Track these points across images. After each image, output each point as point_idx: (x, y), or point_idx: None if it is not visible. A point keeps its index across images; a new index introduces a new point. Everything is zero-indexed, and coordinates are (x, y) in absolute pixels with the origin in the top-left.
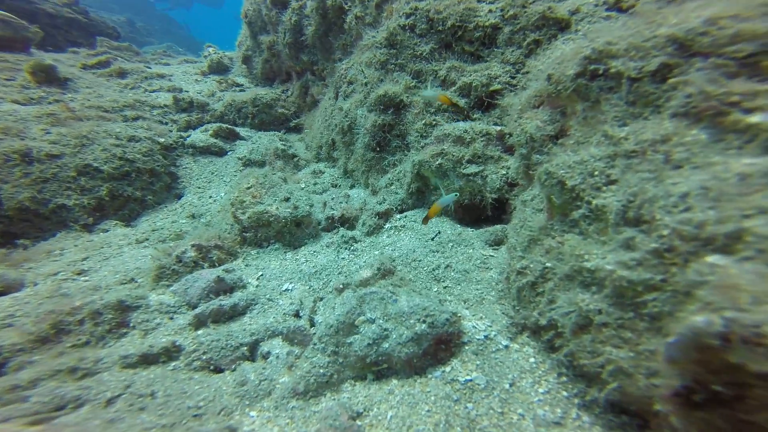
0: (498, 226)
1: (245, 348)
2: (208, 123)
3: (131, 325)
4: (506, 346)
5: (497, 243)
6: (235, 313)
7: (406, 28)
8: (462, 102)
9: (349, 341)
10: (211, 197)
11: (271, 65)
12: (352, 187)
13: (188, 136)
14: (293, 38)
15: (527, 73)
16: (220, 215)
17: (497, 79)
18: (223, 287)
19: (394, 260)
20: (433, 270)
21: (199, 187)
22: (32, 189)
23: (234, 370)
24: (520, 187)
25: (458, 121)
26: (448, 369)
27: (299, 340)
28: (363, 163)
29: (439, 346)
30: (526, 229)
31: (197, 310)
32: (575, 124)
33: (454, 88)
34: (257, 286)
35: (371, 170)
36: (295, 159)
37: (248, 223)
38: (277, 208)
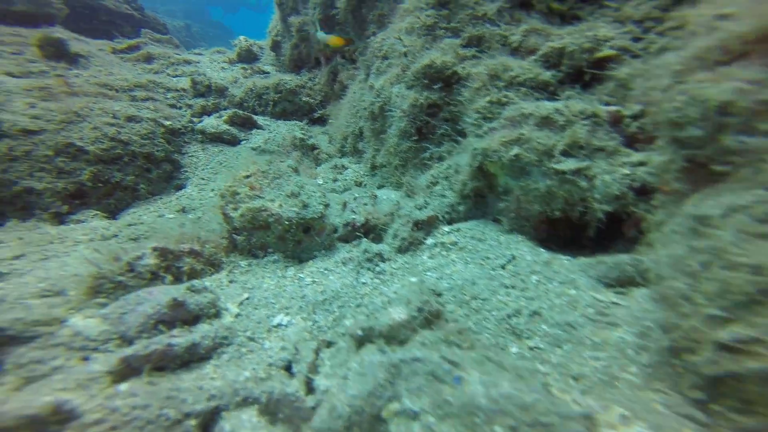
0: (624, 257)
1: (193, 423)
2: (224, 109)
3: (4, 368)
4: None
5: (623, 283)
6: (191, 358)
7: None
8: (548, 75)
9: None
10: (213, 191)
11: (299, 51)
12: (381, 186)
13: (200, 122)
14: (323, 13)
15: (674, 29)
16: (213, 212)
17: (608, 42)
18: (180, 315)
19: (440, 294)
20: (509, 317)
21: (203, 179)
22: None
23: None
24: (671, 194)
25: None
26: None
27: (286, 417)
28: (397, 155)
29: None
30: (733, 271)
31: (128, 350)
32: None
33: (533, 58)
34: (237, 316)
35: (407, 165)
36: (315, 151)
37: (240, 223)
38: (281, 205)
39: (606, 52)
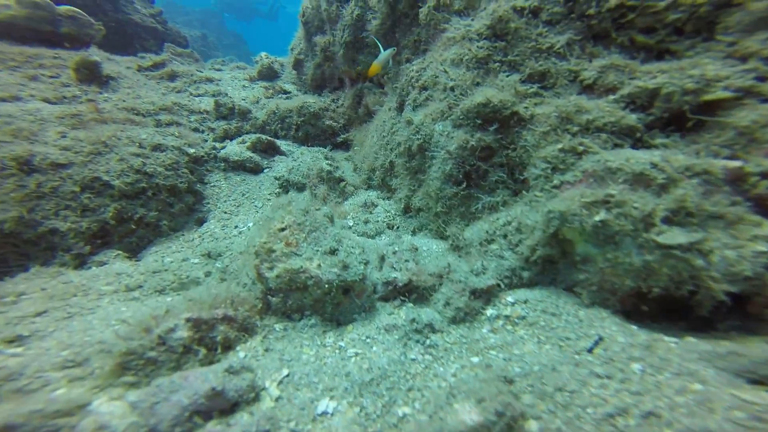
0: None
1: None
2: (247, 133)
3: None
4: None
5: None
6: None
7: (525, 11)
8: (633, 119)
9: None
10: (236, 227)
11: (323, 71)
12: (416, 230)
13: (223, 148)
14: (353, 36)
15: None
16: (242, 260)
17: (722, 83)
18: (218, 404)
19: (512, 381)
20: (612, 417)
21: (226, 212)
22: (22, 207)
23: None
24: None
25: (625, 147)
26: None
27: None
28: (438, 201)
29: None
30: None
31: None
32: None
33: (612, 98)
34: (277, 400)
35: (451, 213)
36: (342, 184)
37: (276, 284)
38: (320, 265)
39: (719, 94)
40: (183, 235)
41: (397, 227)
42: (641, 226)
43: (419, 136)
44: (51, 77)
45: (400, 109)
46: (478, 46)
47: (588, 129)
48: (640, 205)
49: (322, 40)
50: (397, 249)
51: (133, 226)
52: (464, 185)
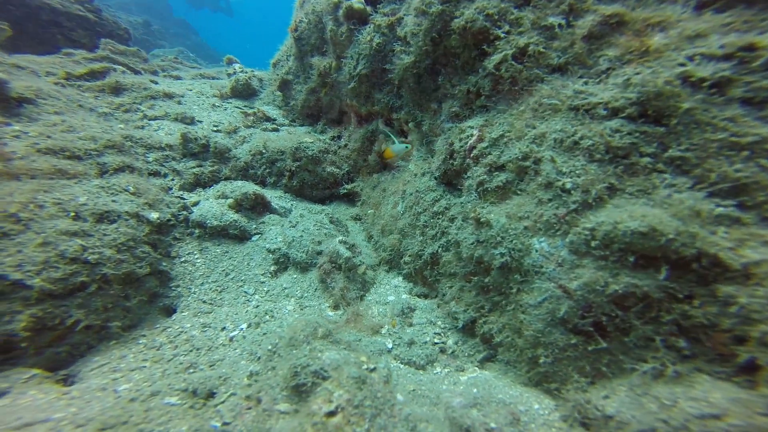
0: None
1: None
2: (227, 179)
3: None
4: None
5: None
6: None
7: (704, 83)
8: None
9: None
10: (224, 329)
11: (318, 97)
12: (486, 360)
13: (195, 205)
14: (370, 68)
15: None
16: (253, 417)
17: None
18: None
19: None
20: None
21: (205, 302)
22: None
23: None
24: None
25: None
26: None
27: None
28: (539, 346)
29: None
30: None
31: None
32: None
33: None
34: None
35: (562, 363)
36: (361, 269)
37: None
38: None
39: None
40: (144, 335)
41: (456, 354)
42: None
43: (504, 251)
44: None
45: (446, 181)
46: (612, 129)
47: None
48: None
49: (321, 63)
50: (494, 425)
51: (63, 333)
52: (594, 338)
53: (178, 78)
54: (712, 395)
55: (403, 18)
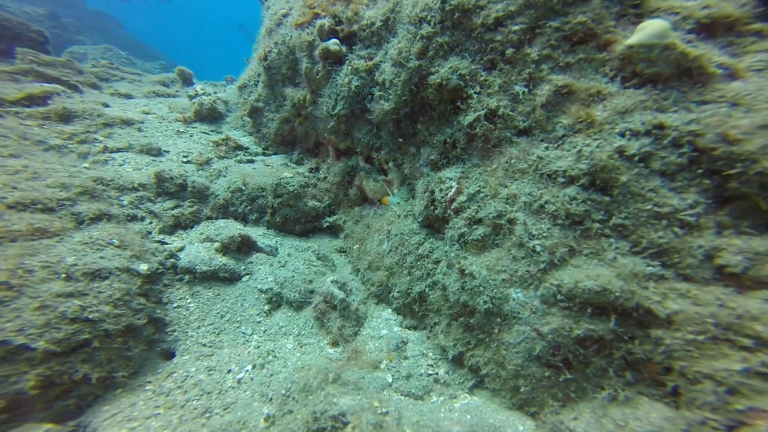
0: None
1: None
2: (208, 219)
3: None
4: None
5: None
6: None
7: (634, 158)
8: None
9: None
10: (230, 371)
11: (292, 127)
12: (474, 387)
13: (180, 251)
14: (349, 109)
15: None
16: None
17: None
18: None
19: None
20: None
21: (204, 345)
22: None
23: None
24: None
25: None
26: None
27: None
28: (520, 378)
29: None
30: None
31: None
32: None
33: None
34: None
35: (539, 391)
36: (354, 306)
37: None
38: None
39: None
40: (149, 381)
41: (447, 383)
42: None
43: (486, 299)
44: None
45: (428, 225)
46: (570, 196)
47: (745, 340)
48: None
49: (296, 94)
50: None
51: (70, 387)
52: (562, 371)
53: (128, 96)
54: (650, 415)
55: (380, 64)
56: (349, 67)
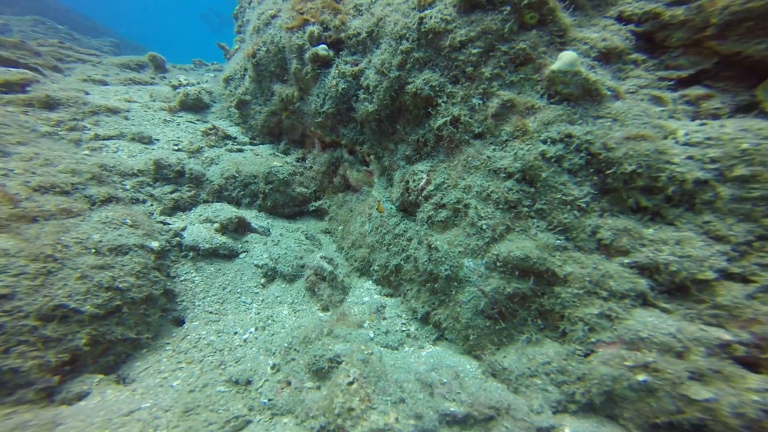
0: None
1: None
2: (205, 202)
3: None
4: None
5: None
6: None
7: (552, 159)
8: (644, 284)
9: None
10: (236, 333)
11: (279, 119)
12: (437, 339)
13: (183, 230)
14: (336, 108)
15: None
16: (289, 396)
17: (705, 263)
18: None
19: None
20: None
21: (211, 312)
22: None
23: None
24: None
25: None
26: None
27: None
28: (469, 329)
29: None
30: None
31: None
32: None
33: (626, 261)
34: None
35: (482, 341)
36: (340, 278)
37: None
38: (397, 418)
39: (708, 274)
40: (168, 343)
41: (416, 337)
42: (674, 384)
43: (446, 267)
44: None
45: (403, 209)
46: (507, 186)
47: (614, 294)
48: (673, 373)
49: (284, 91)
50: (445, 380)
51: (109, 345)
52: (500, 324)
53: (104, 83)
54: (549, 351)
55: (364, 70)
56: (337, 71)
